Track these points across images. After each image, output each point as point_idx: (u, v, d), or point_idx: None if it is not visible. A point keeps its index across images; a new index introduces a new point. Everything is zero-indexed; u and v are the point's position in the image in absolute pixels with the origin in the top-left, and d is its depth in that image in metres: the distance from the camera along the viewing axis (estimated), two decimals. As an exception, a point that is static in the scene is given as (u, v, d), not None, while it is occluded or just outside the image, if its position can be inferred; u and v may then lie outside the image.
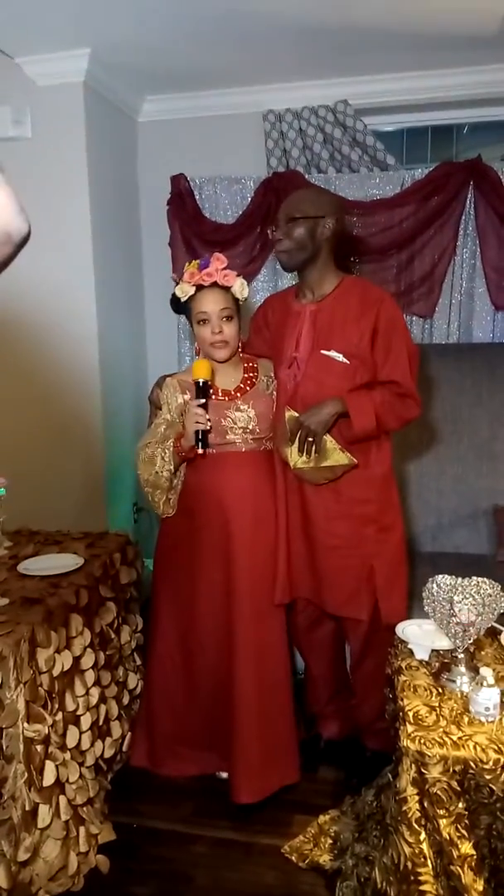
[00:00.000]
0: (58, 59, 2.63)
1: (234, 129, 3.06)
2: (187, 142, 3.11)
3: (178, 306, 2.15)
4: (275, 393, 2.17)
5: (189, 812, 2.16)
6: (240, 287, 2.10)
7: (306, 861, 1.94)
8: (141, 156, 3.22)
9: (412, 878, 1.50)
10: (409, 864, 1.50)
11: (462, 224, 2.83)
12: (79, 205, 2.76)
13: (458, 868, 1.47)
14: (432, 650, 1.80)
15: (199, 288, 2.08)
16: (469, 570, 1.72)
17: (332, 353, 2.03)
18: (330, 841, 1.96)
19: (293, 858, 1.96)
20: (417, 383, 2.08)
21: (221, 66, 2.77)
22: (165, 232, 3.04)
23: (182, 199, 3.00)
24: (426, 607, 1.71)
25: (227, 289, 2.08)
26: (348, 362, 2.02)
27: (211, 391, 2.08)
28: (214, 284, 2.07)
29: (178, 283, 2.12)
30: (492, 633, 1.88)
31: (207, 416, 2.02)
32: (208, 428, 2.03)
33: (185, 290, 2.09)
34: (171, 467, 2.11)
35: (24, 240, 0.68)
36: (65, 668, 1.89)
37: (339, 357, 2.02)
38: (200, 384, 2.03)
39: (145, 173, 3.21)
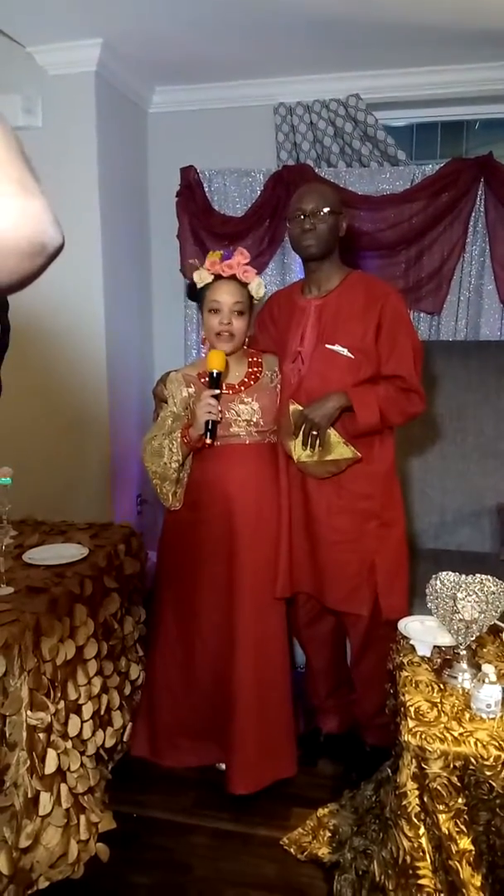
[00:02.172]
0: (69, 48, 2.63)
1: (244, 121, 3.04)
2: (197, 133, 3.10)
3: (193, 293, 2.16)
4: (279, 387, 2.18)
5: (189, 803, 2.17)
6: (256, 286, 2.11)
7: (305, 853, 1.95)
8: (151, 147, 3.21)
9: (410, 872, 1.51)
10: (408, 859, 1.51)
11: (472, 221, 2.83)
12: (88, 194, 2.76)
13: (456, 863, 1.47)
14: (434, 646, 1.81)
15: (218, 278, 2.09)
16: (472, 567, 1.73)
17: (337, 348, 2.03)
18: (329, 834, 1.97)
19: (292, 850, 1.97)
20: (423, 379, 2.08)
21: (232, 57, 2.76)
22: (174, 224, 3.03)
23: (191, 190, 2.99)
24: (429, 604, 1.72)
25: (244, 284, 2.09)
26: (353, 357, 2.02)
27: (222, 381, 2.09)
28: (233, 277, 2.08)
29: (191, 271, 2.13)
30: (494, 631, 1.88)
31: (219, 408, 2.03)
32: (219, 419, 2.04)
33: (202, 277, 2.11)
34: (180, 458, 2.11)
35: (58, 251, 0.67)
36: (68, 658, 1.90)
37: (344, 351, 2.02)
38: (214, 375, 2.04)
39: (155, 164, 3.21)
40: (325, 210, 2.02)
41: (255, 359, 2.21)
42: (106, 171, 2.80)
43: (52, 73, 2.71)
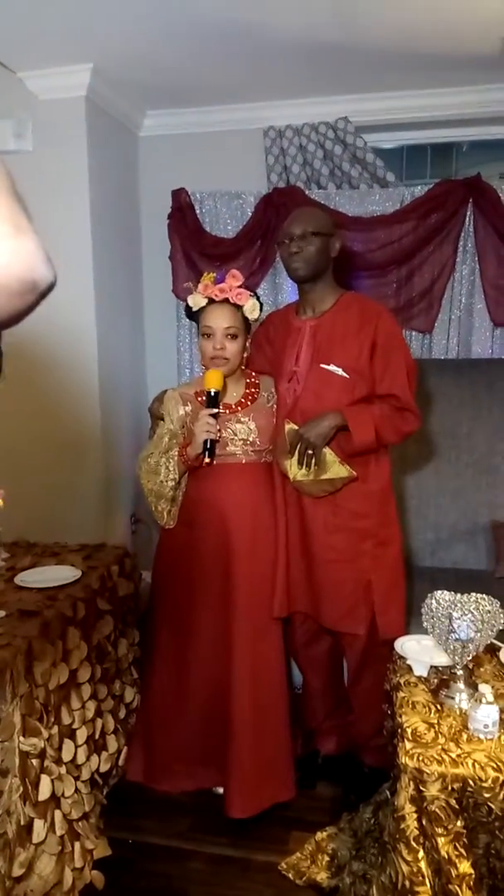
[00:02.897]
0: (59, 73, 2.65)
1: (234, 144, 3.07)
2: (188, 156, 3.13)
3: (191, 314, 2.18)
4: (275, 407, 2.18)
5: (185, 828, 2.15)
6: (251, 307, 2.12)
7: (303, 878, 1.92)
8: (142, 170, 3.23)
9: (410, 896, 1.49)
10: (408, 883, 1.49)
11: (461, 241, 2.85)
12: (80, 218, 2.77)
13: (456, 887, 1.46)
14: (431, 666, 1.80)
15: (211, 301, 2.10)
16: (467, 585, 1.73)
17: (332, 367, 2.04)
18: (327, 858, 1.94)
19: (290, 876, 1.94)
20: (416, 397, 2.09)
21: (223, 82, 2.79)
22: (166, 246, 3.05)
23: (183, 213, 3.01)
24: (425, 623, 1.71)
25: (237, 307, 2.10)
26: (348, 376, 2.03)
27: (220, 401, 2.10)
28: (226, 301, 2.09)
29: (185, 294, 2.15)
30: (491, 650, 1.88)
31: (218, 426, 2.03)
32: (218, 438, 2.04)
33: (196, 301, 2.12)
34: (176, 476, 2.12)
35: (49, 289, 0.68)
36: (61, 682, 1.88)
37: (339, 371, 2.03)
38: (212, 394, 2.04)
39: (146, 187, 3.23)
40: (312, 233, 2.04)
41: (252, 379, 2.22)
42: (97, 195, 2.82)
43: (42, 98, 2.73)
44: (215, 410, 2.04)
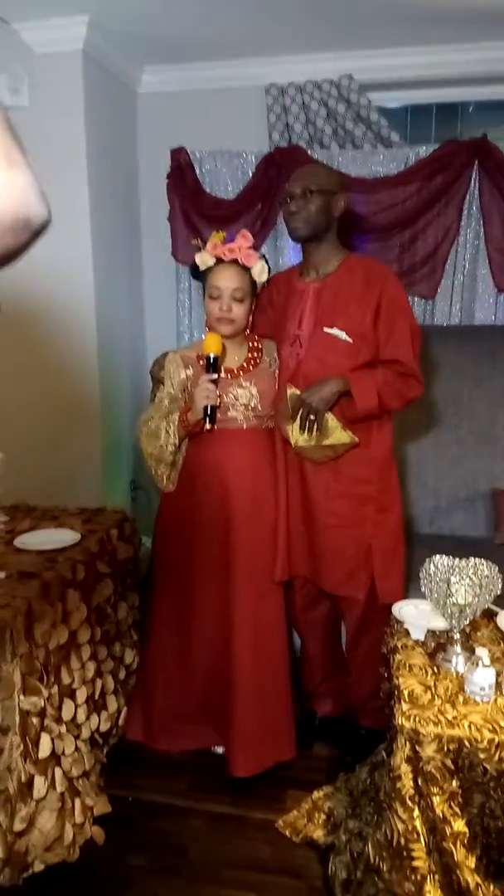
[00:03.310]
0: (56, 25, 2.57)
1: (235, 102, 3.00)
2: (188, 114, 3.05)
3: (197, 273, 2.14)
4: (277, 372, 2.16)
5: (185, 786, 2.18)
6: (260, 270, 2.08)
7: (300, 836, 1.96)
8: (140, 127, 3.16)
9: (405, 853, 1.52)
10: (402, 841, 1.52)
11: (466, 204, 2.80)
12: (77, 175, 2.71)
13: (450, 845, 1.48)
14: (428, 630, 1.81)
15: (220, 261, 2.06)
16: (466, 552, 1.72)
17: (335, 331, 2.02)
18: (324, 816, 1.98)
19: (287, 833, 1.98)
20: (419, 364, 2.07)
21: (223, 36, 2.71)
22: (165, 206, 2.99)
23: (182, 172, 2.95)
24: (423, 587, 1.72)
25: (246, 268, 2.06)
26: (351, 340, 2.01)
27: (219, 365, 2.07)
28: (234, 261, 2.05)
29: (193, 252, 2.11)
30: (488, 615, 1.89)
31: (218, 392, 2.01)
32: (218, 403, 2.02)
33: (204, 261, 2.09)
34: (176, 441, 2.10)
35: (43, 227, 0.65)
36: (61, 642, 1.90)
37: (342, 335, 2.01)
38: (211, 359, 2.02)
39: (145, 146, 3.16)
40: (313, 191, 2.00)
41: (255, 344, 2.19)
42: (95, 153, 2.76)
43: (38, 52, 2.65)
44: (215, 376, 2.02)
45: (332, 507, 2.09)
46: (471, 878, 1.49)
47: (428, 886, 1.51)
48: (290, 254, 2.89)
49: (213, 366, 2.02)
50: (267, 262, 2.12)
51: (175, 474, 2.18)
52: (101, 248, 2.84)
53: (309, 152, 2.84)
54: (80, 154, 2.70)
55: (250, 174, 2.91)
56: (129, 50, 2.84)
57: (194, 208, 2.95)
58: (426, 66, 2.85)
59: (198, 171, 2.96)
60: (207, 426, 2.01)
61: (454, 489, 2.72)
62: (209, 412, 2.00)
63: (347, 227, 2.67)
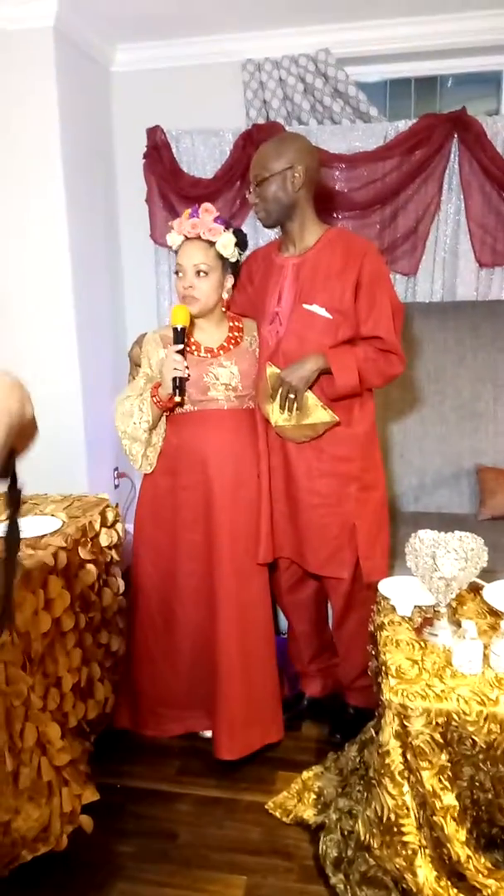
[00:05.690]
0: (25, 0, 2.51)
1: (211, 79, 2.94)
2: (163, 93, 2.99)
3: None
4: (257, 350, 2.13)
5: (173, 771, 2.17)
6: (224, 243, 2.03)
7: (290, 816, 1.95)
8: (115, 107, 3.09)
9: (395, 829, 1.51)
10: (392, 816, 1.51)
11: (446, 178, 2.77)
12: (50, 157, 2.65)
13: (440, 819, 1.48)
14: (415, 606, 1.80)
15: (187, 239, 2.03)
16: (451, 528, 1.70)
17: (315, 308, 1.98)
18: (313, 796, 1.97)
19: (277, 814, 1.97)
20: (401, 341, 2.04)
21: (197, 12, 2.65)
22: (142, 187, 2.94)
23: (159, 152, 2.90)
24: (409, 562, 1.70)
25: (211, 243, 2.03)
26: (331, 317, 1.97)
27: (188, 338, 2.04)
28: (198, 237, 2.02)
29: (166, 234, 2.09)
30: (474, 589, 1.88)
31: (185, 363, 1.98)
32: (186, 375, 1.99)
33: (174, 240, 2.07)
34: (150, 418, 2.07)
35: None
36: (44, 630, 1.86)
37: (322, 311, 1.97)
38: (178, 329, 1.99)
39: (120, 125, 3.09)
40: (266, 177, 1.96)
41: (235, 323, 2.16)
42: (68, 133, 2.69)
43: (8, 28, 2.59)
44: (181, 346, 1.99)
45: (315, 486, 2.06)
46: (461, 851, 1.48)
47: (419, 861, 1.50)
48: (271, 232, 2.85)
49: (180, 336, 1.99)
50: (240, 234, 2.08)
51: (153, 455, 2.15)
52: (78, 232, 2.78)
53: (287, 128, 2.80)
54: (54, 134, 2.64)
55: (228, 152, 2.86)
56: (101, 27, 2.78)
57: (172, 188, 2.90)
58: (404, 38, 2.81)
59: (174, 150, 2.91)
60: (177, 398, 1.99)
61: (438, 466, 2.71)
62: (178, 384, 1.97)
63: (327, 205, 2.64)
